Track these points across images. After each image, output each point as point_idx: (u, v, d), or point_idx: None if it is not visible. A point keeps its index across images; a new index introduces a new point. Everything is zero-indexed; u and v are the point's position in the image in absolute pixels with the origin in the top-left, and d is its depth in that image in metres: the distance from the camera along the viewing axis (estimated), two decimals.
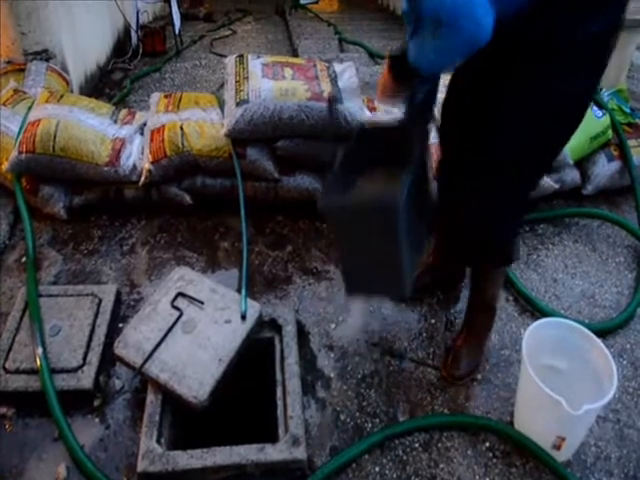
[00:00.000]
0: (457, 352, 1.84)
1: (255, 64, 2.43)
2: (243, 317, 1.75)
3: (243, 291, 1.82)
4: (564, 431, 1.52)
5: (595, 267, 2.31)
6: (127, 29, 4.23)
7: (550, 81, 1.31)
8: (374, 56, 4.46)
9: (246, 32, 5.68)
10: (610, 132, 2.57)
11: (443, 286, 2.13)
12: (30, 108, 2.45)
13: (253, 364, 1.78)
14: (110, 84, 3.63)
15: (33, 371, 1.70)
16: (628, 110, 2.72)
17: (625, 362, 1.93)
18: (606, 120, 2.55)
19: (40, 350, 1.73)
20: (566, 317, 2.00)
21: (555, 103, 1.34)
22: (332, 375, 1.83)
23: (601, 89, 2.82)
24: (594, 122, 2.52)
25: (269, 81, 2.31)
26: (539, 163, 1.53)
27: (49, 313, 1.87)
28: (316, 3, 7.64)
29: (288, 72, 2.38)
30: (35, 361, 1.71)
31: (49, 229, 2.35)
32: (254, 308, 1.79)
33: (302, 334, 1.93)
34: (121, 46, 4.21)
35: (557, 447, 1.56)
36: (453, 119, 1.69)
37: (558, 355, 1.67)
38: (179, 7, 4.60)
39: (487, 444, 1.66)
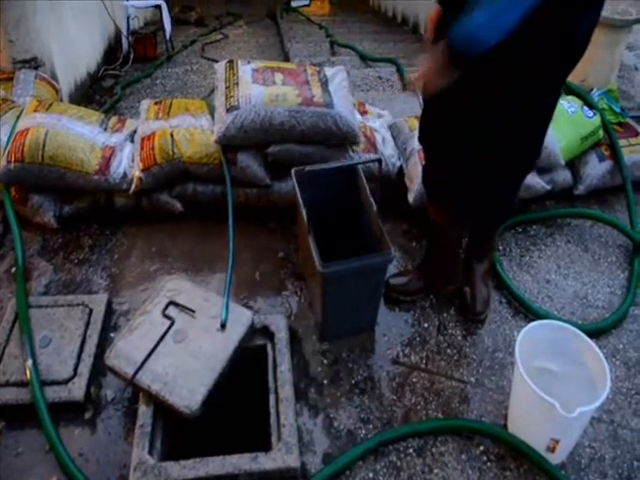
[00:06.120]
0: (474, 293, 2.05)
1: (245, 69, 2.42)
2: (223, 326, 1.73)
3: (225, 299, 1.81)
4: (558, 434, 1.52)
5: (587, 267, 2.31)
6: (118, 35, 4.22)
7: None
8: (365, 59, 4.46)
9: (237, 36, 5.69)
10: (601, 132, 2.57)
11: (435, 290, 2.13)
12: (19, 117, 2.43)
13: (245, 372, 1.77)
14: (101, 91, 3.62)
15: (23, 383, 1.69)
16: (618, 110, 2.72)
17: (618, 362, 1.92)
18: (597, 120, 2.55)
19: (30, 362, 1.72)
20: (559, 318, 2.00)
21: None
22: (325, 381, 1.83)
23: (592, 89, 2.83)
24: (585, 122, 2.52)
25: (259, 87, 2.30)
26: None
27: (39, 324, 1.86)
28: (307, 6, 7.65)
29: (279, 77, 2.37)
30: (25, 373, 1.70)
31: (39, 238, 2.34)
32: (246, 316, 1.78)
33: (294, 340, 1.92)
34: (112, 52, 4.19)
35: (551, 450, 1.55)
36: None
37: (551, 357, 1.67)
38: (170, 12, 4.60)
39: (481, 448, 1.66)
